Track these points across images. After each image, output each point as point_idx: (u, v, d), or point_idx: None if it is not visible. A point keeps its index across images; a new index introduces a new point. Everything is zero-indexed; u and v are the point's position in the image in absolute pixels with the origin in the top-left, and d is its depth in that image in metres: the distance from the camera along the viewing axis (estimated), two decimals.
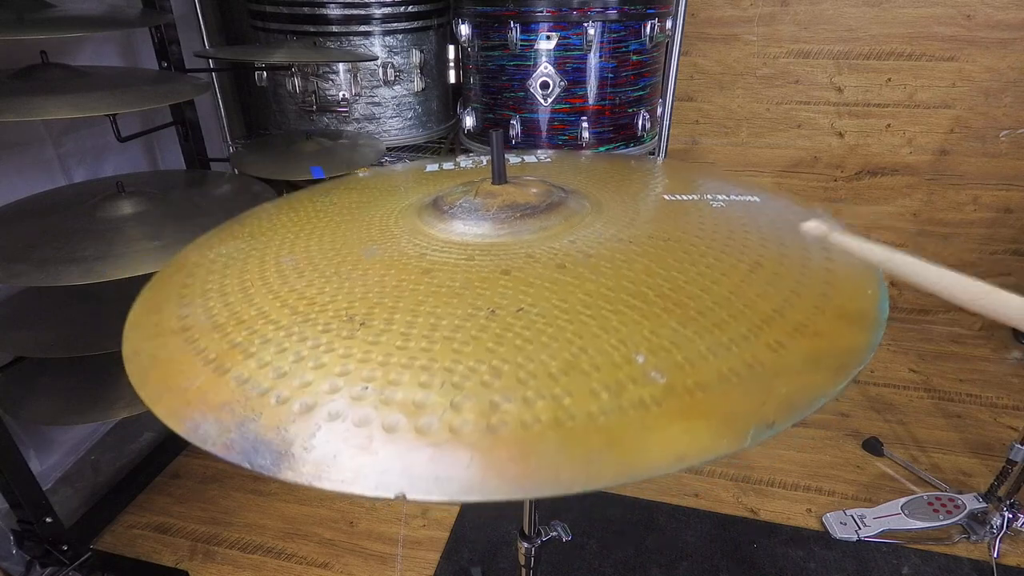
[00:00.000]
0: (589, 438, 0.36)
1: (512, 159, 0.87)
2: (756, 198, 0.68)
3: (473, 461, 0.35)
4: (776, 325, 0.45)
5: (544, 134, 1.65)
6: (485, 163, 0.87)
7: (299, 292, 0.51)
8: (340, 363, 0.42)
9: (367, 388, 0.40)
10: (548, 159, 0.89)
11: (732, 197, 0.68)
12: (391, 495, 0.34)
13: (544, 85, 1.58)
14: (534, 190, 0.63)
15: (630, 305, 0.46)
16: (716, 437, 0.37)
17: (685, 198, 0.68)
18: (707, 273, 0.50)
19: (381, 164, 1.65)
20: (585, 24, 1.50)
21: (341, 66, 1.67)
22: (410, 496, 0.34)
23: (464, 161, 0.89)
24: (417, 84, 1.77)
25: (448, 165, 0.87)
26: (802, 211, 0.66)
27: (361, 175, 0.88)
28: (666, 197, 0.69)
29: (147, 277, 0.61)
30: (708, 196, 0.68)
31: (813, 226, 0.44)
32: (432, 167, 0.87)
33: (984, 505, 1.44)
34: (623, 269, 0.51)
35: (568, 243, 0.56)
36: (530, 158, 0.89)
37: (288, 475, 0.36)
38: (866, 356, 0.43)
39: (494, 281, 0.50)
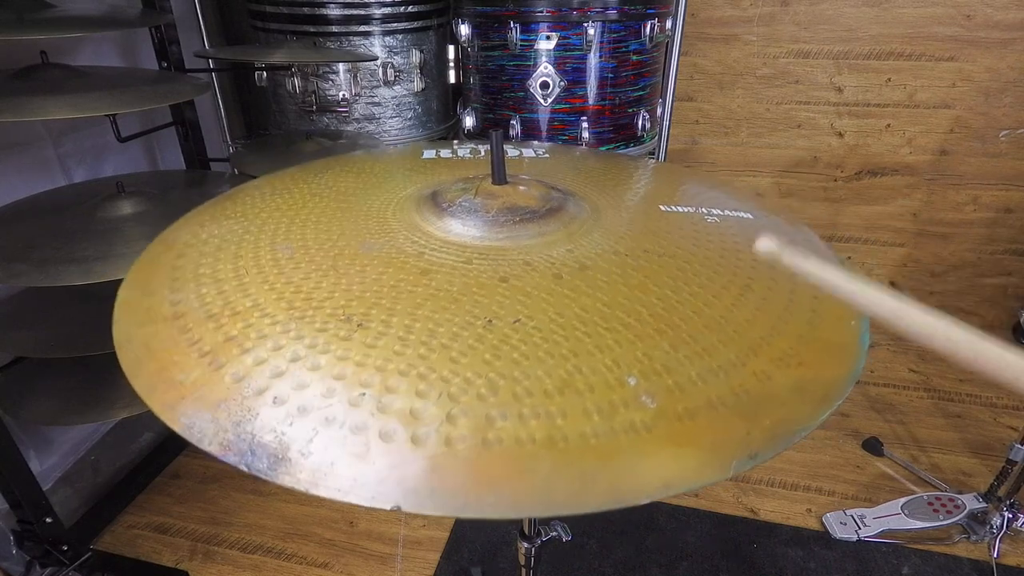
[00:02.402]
0: (582, 460, 0.36)
1: (510, 151, 0.87)
2: (749, 215, 0.69)
3: (468, 477, 0.35)
4: (763, 353, 0.45)
5: (544, 134, 1.65)
6: (483, 153, 0.87)
7: (295, 285, 0.50)
8: (337, 365, 0.42)
9: (364, 394, 0.40)
10: (545, 154, 0.89)
11: (726, 212, 0.68)
12: (387, 506, 0.34)
13: (544, 85, 1.57)
14: (533, 192, 0.63)
15: (624, 323, 0.46)
16: (702, 466, 0.37)
17: (680, 210, 0.68)
18: (699, 294, 0.51)
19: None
20: (585, 24, 1.50)
21: (341, 66, 1.67)
22: (405, 508, 0.34)
23: (461, 150, 0.88)
24: (417, 84, 1.77)
25: (446, 152, 0.87)
26: (792, 230, 0.66)
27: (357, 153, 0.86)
28: (662, 208, 0.69)
29: (137, 258, 0.59)
30: (703, 210, 0.68)
31: (765, 245, 0.44)
32: (430, 153, 0.86)
33: (984, 505, 1.44)
34: (618, 284, 0.51)
35: (565, 252, 0.56)
36: (528, 151, 0.89)
37: (285, 480, 0.36)
38: (847, 388, 0.44)
39: (492, 288, 0.50)
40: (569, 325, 0.46)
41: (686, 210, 0.68)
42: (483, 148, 0.88)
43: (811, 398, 0.43)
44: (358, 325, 0.45)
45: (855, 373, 0.45)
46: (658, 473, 0.36)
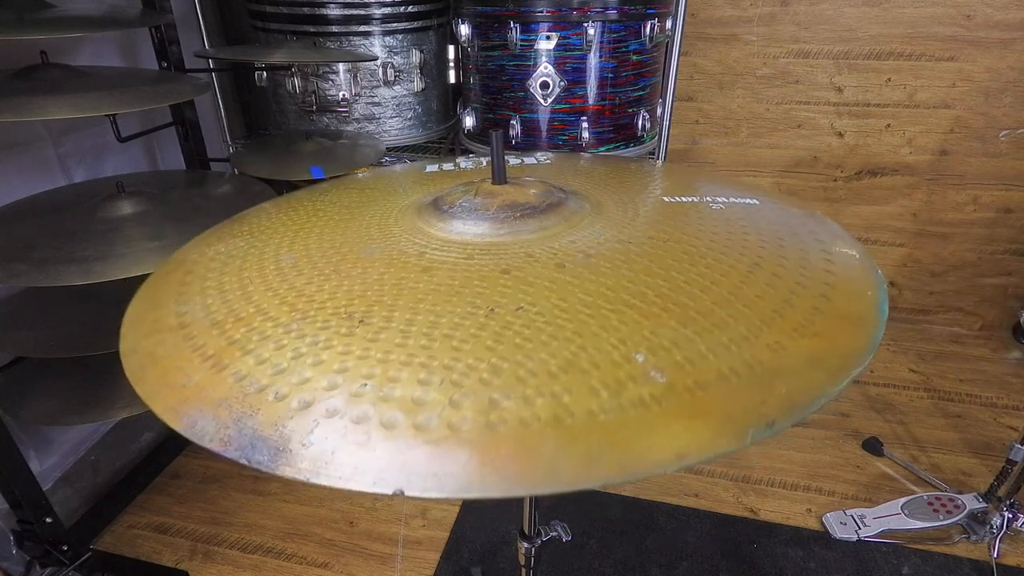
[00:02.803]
0: (589, 436, 0.36)
1: (512, 160, 0.87)
2: (755, 200, 0.69)
3: (472, 458, 0.35)
4: (775, 326, 0.45)
5: (544, 134, 1.65)
6: (485, 164, 0.87)
7: (298, 290, 0.51)
8: (339, 360, 0.42)
9: (366, 385, 0.40)
10: (548, 160, 0.89)
11: (731, 200, 0.68)
12: (389, 491, 0.34)
13: (544, 85, 1.58)
14: (534, 190, 0.63)
15: (630, 305, 0.46)
16: (716, 436, 0.37)
17: (684, 200, 0.68)
18: (706, 274, 0.51)
19: (381, 164, 1.66)
20: (585, 24, 1.50)
21: (341, 66, 1.67)
22: (408, 493, 0.34)
23: (464, 162, 0.89)
24: (417, 84, 1.78)
25: (448, 166, 0.87)
26: (800, 213, 0.66)
27: (360, 175, 0.88)
28: (665, 199, 0.69)
29: (147, 277, 0.60)
30: (707, 198, 0.68)
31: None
32: (432, 167, 0.87)
33: (984, 505, 1.44)
34: (623, 269, 0.51)
35: (568, 243, 0.56)
36: (529, 159, 0.89)
37: (286, 471, 0.36)
38: (866, 357, 0.44)
39: (494, 280, 0.50)
40: (572, 309, 0.46)
41: (690, 200, 0.68)
42: (485, 159, 0.89)
43: (828, 367, 0.42)
44: (359, 322, 0.45)
45: (874, 342, 0.45)
46: (671, 444, 0.36)
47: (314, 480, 0.35)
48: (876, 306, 0.49)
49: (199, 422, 0.40)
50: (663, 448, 0.36)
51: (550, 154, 0.93)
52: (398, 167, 0.97)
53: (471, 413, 0.38)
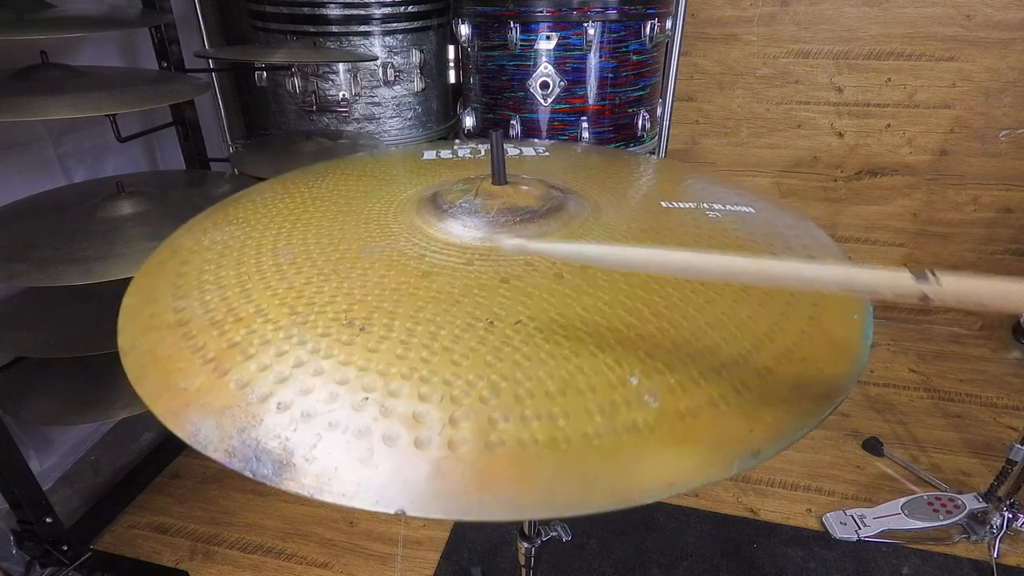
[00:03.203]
0: (584, 461, 0.37)
1: (510, 150, 0.87)
2: (751, 209, 0.69)
3: (472, 480, 0.36)
4: (765, 349, 0.45)
5: (544, 134, 1.64)
6: (483, 153, 0.86)
7: (297, 290, 0.50)
8: (340, 370, 0.42)
9: (367, 398, 0.40)
10: (546, 152, 0.89)
11: (727, 207, 0.68)
12: (391, 511, 0.34)
13: (544, 85, 1.57)
14: (534, 192, 0.63)
15: (626, 322, 0.46)
16: (704, 465, 0.37)
17: (682, 206, 0.68)
18: (701, 291, 0.51)
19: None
20: (585, 24, 1.50)
21: (341, 66, 1.67)
22: (410, 513, 0.34)
23: (462, 150, 0.88)
24: (417, 84, 1.77)
25: (446, 153, 0.87)
26: (794, 222, 0.66)
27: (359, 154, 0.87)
28: (663, 204, 0.69)
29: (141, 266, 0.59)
30: (704, 205, 0.68)
31: (510, 243, 0.49)
32: (430, 154, 0.86)
33: (984, 505, 1.44)
34: (619, 283, 0.51)
35: None
36: (528, 150, 0.89)
37: (290, 486, 0.36)
38: (849, 384, 0.44)
39: (493, 289, 0.50)
40: (571, 325, 0.46)
41: (687, 206, 0.68)
42: (483, 148, 0.88)
43: (814, 394, 0.43)
44: (360, 329, 0.45)
45: (858, 369, 0.45)
46: (661, 473, 0.36)
47: (318, 497, 0.35)
48: (861, 331, 0.49)
49: (202, 430, 0.40)
50: (653, 476, 0.36)
51: (547, 143, 0.92)
52: (394, 149, 0.96)
53: (470, 432, 0.38)
